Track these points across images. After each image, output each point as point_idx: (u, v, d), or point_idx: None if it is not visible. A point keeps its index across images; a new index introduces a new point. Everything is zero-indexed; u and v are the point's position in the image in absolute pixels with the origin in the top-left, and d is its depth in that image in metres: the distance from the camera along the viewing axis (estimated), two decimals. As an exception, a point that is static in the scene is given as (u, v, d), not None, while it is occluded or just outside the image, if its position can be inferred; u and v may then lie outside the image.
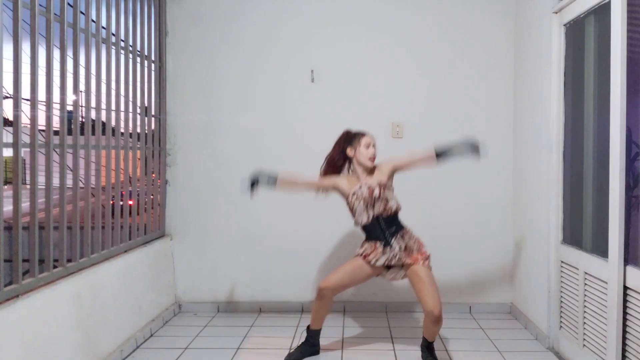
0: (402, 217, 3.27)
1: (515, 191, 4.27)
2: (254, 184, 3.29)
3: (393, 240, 3.16)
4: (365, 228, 3.25)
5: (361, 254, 3.23)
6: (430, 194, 4.31)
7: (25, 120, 2.67)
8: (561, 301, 3.42)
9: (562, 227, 3.47)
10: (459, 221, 4.33)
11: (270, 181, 3.28)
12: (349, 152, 3.26)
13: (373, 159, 3.23)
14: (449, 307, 4.28)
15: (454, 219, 4.34)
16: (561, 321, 3.42)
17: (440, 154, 3.18)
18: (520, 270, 4.14)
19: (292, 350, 3.44)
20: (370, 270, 3.24)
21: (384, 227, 3.18)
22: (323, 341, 3.64)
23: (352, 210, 3.25)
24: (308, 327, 3.46)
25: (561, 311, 3.42)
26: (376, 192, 3.16)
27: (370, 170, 3.26)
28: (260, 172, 3.31)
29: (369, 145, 3.23)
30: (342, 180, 3.28)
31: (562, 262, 3.41)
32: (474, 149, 3.12)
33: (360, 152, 3.22)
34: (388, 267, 3.23)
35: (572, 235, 3.37)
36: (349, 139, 3.29)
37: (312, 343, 3.43)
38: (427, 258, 3.17)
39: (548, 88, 3.55)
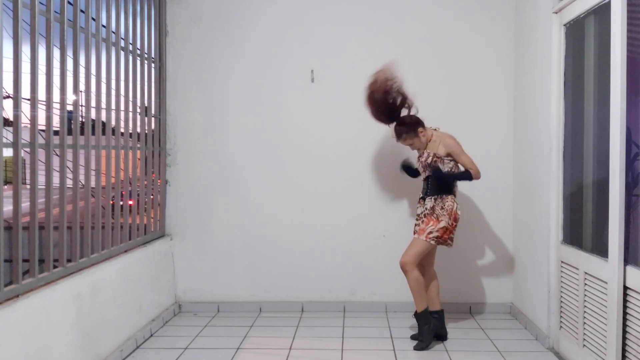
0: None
1: (515, 191, 4.27)
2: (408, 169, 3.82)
3: (427, 199, 3.60)
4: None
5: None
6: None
7: (25, 120, 2.67)
8: (561, 301, 3.42)
9: (562, 227, 3.47)
10: (459, 221, 4.32)
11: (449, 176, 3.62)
12: None
13: (412, 148, 3.71)
14: (449, 307, 4.28)
15: (454, 219, 4.34)
16: (561, 321, 3.42)
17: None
18: (520, 270, 4.14)
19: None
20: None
21: (427, 186, 3.64)
22: (322, 341, 3.65)
23: None
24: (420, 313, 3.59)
25: (561, 311, 3.42)
26: (427, 160, 3.62)
27: (428, 143, 3.66)
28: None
29: (400, 143, 3.70)
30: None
31: (562, 262, 3.41)
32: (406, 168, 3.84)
33: None
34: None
35: (572, 235, 3.37)
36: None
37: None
38: (431, 234, 3.50)
39: (548, 88, 3.55)
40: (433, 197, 3.58)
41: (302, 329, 3.95)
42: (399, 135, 3.65)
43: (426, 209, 3.60)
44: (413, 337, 3.69)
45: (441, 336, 3.66)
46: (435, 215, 3.53)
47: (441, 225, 3.51)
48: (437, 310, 3.68)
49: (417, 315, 3.57)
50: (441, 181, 3.58)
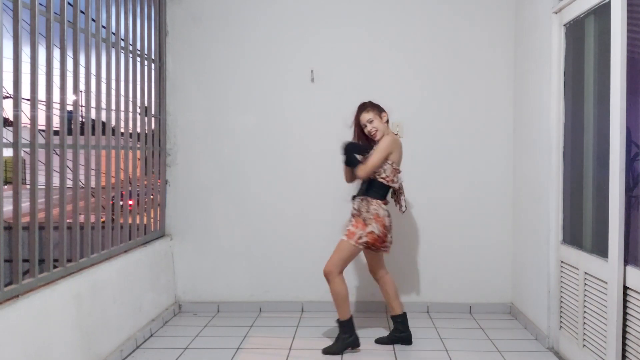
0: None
1: (515, 191, 4.27)
2: (349, 154, 3.51)
3: (357, 199, 3.52)
4: None
5: None
6: (430, 194, 4.31)
7: (25, 120, 2.67)
8: (561, 301, 3.42)
9: (562, 227, 3.47)
10: (459, 221, 4.33)
11: (355, 162, 3.50)
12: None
13: (373, 135, 3.48)
14: (449, 307, 4.29)
15: (454, 218, 4.34)
16: (561, 321, 3.42)
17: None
18: (520, 270, 4.14)
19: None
20: None
21: (360, 186, 3.56)
22: (322, 341, 3.65)
23: None
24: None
25: (561, 311, 3.42)
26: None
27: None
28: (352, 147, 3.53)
29: (364, 125, 3.50)
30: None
31: (562, 262, 3.41)
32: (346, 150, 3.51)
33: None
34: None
35: (572, 235, 3.37)
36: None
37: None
38: (361, 239, 3.40)
39: (548, 88, 3.55)
40: (360, 198, 3.49)
41: (302, 329, 3.95)
42: (363, 106, 3.51)
43: (354, 209, 3.51)
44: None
45: (406, 340, 3.60)
46: (362, 218, 3.43)
47: (369, 229, 3.39)
48: (399, 314, 3.61)
49: (339, 322, 3.49)
50: (347, 155, 3.49)
